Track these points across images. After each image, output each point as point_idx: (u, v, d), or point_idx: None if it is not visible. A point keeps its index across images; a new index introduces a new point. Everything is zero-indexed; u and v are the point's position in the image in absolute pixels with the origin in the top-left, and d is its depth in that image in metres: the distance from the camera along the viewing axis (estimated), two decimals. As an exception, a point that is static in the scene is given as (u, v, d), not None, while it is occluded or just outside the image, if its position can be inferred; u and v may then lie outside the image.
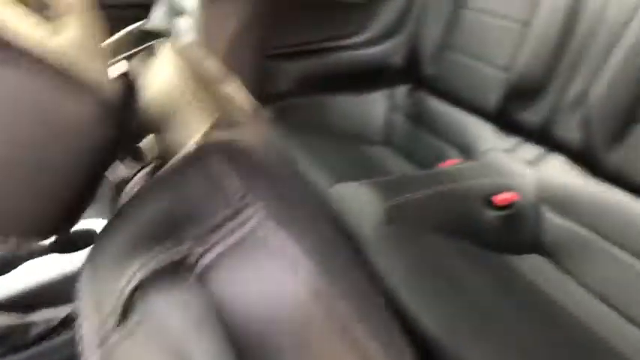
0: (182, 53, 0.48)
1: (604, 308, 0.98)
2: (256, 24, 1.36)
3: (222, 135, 0.42)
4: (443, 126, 1.42)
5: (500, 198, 1.07)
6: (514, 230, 1.08)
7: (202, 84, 0.45)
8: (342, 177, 1.20)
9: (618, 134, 1.02)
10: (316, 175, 1.19)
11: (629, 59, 0.98)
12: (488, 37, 1.32)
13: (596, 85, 1.03)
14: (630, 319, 0.94)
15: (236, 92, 0.50)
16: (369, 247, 0.91)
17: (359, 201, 0.99)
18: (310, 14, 1.50)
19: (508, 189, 1.10)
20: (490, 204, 1.07)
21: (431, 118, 1.47)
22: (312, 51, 1.54)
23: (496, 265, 1.04)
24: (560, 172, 1.12)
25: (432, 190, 1.04)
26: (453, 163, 1.25)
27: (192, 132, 0.42)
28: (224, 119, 0.43)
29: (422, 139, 1.47)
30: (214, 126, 0.42)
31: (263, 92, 1.54)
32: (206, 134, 0.42)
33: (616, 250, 0.99)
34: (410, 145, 1.51)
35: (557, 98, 1.16)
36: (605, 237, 1.01)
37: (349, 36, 1.57)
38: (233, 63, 0.94)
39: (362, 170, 1.33)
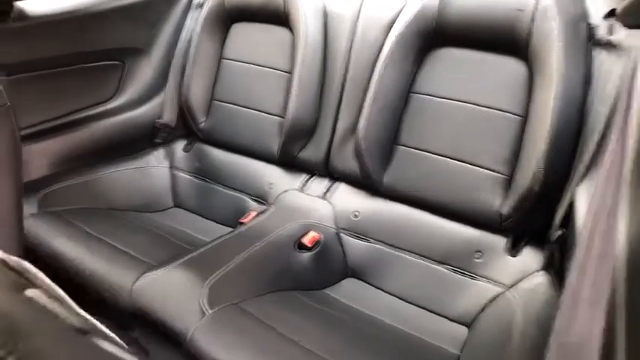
0: None
1: (410, 307, 1.12)
2: None
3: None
4: (233, 176, 1.42)
5: (308, 239, 1.13)
6: (325, 263, 1.15)
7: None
8: (142, 257, 1.09)
9: (384, 157, 1.19)
10: (114, 264, 1.04)
11: (379, 93, 1.15)
12: (256, 87, 1.38)
13: (359, 120, 1.18)
14: (431, 310, 1.10)
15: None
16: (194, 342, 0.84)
17: (172, 293, 0.91)
18: (55, 85, 1.31)
19: (311, 226, 1.17)
20: (300, 246, 1.12)
21: (217, 171, 1.45)
22: (65, 125, 1.34)
23: (315, 299, 1.08)
24: (347, 199, 1.24)
25: (247, 253, 1.03)
26: (253, 215, 1.25)
27: None
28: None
29: (214, 193, 1.44)
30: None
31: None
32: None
33: (407, 255, 1.15)
34: (204, 202, 1.46)
35: (329, 135, 1.29)
36: (396, 246, 1.16)
37: (104, 102, 1.43)
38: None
39: (159, 244, 1.22)
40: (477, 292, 1.06)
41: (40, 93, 1.28)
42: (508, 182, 1.06)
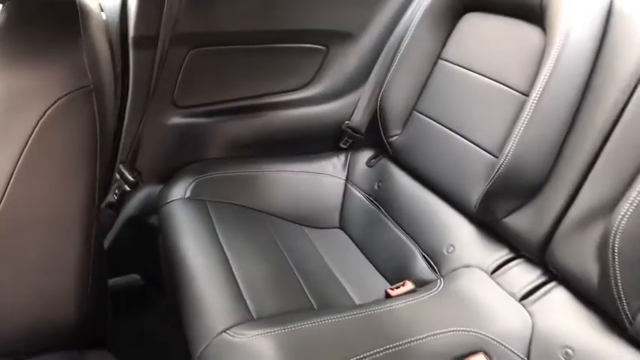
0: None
1: None
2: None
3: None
4: (410, 216, 1.07)
5: (470, 366, 0.71)
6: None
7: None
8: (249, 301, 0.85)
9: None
10: (212, 305, 0.83)
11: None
12: (472, 106, 0.98)
13: (622, 200, 0.67)
14: None
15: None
16: None
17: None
18: (243, 63, 1.17)
19: (485, 345, 0.74)
20: (455, 374, 0.71)
21: (396, 202, 1.12)
22: (244, 108, 1.20)
23: None
24: (561, 320, 0.76)
25: (370, 355, 0.69)
26: (407, 288, 0.89)
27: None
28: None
29: (383, 229, 1.12)
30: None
31: (183, 153, 1.21)
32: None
33: None
34: (370, 236, 1.15)
35: (562, 205, 0.80)
36: None
37: (294, 90, 1.23)
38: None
39: (281, 287, 0.96)
40: None
41: (223, 69, 1.15)
42: None
